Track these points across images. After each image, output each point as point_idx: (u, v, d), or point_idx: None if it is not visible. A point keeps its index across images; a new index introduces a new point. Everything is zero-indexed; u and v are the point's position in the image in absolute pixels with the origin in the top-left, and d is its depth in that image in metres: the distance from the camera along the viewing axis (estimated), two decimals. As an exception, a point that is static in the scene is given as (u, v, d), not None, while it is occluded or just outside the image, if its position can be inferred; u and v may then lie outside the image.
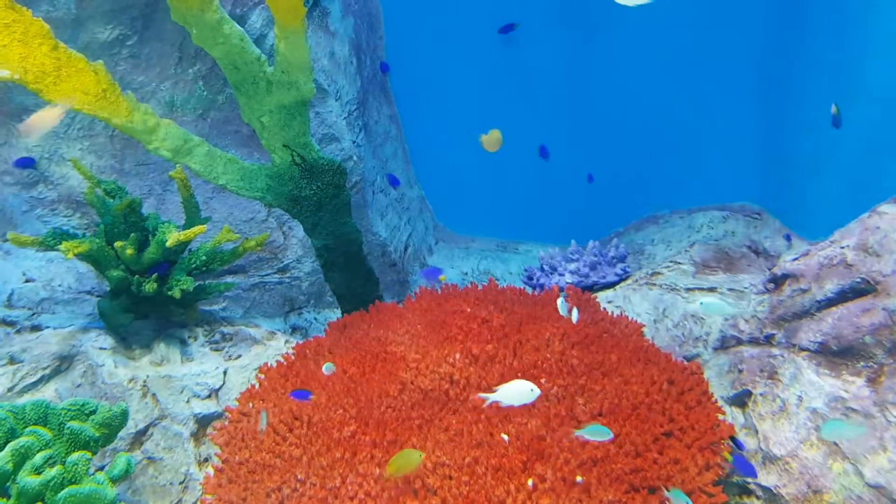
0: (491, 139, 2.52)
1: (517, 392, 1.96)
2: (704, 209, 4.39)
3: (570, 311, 2.38)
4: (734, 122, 4.45)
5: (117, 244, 2.62)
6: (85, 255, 2.64)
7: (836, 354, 2.26)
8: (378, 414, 2.22)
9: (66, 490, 1.82)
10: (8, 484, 1.88)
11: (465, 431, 2.12)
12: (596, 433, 1.98)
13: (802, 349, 2.35)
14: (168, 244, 2.61)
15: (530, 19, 4.64)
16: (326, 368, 2.42)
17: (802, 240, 3.72)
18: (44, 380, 2.57)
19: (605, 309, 2.91)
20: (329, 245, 2.96)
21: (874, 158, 3.20)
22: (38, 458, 1.91)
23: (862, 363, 2.20)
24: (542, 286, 3.64)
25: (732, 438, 2.07)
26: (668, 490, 1.91)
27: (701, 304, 2.38)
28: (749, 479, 2.21)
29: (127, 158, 3.39)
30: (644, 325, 2.81)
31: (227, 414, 2.47)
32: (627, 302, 3.18)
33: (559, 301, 2.41)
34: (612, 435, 1.98)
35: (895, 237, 2.30)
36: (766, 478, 2.18)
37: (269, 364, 2.66)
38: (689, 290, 3.11)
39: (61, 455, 1.97)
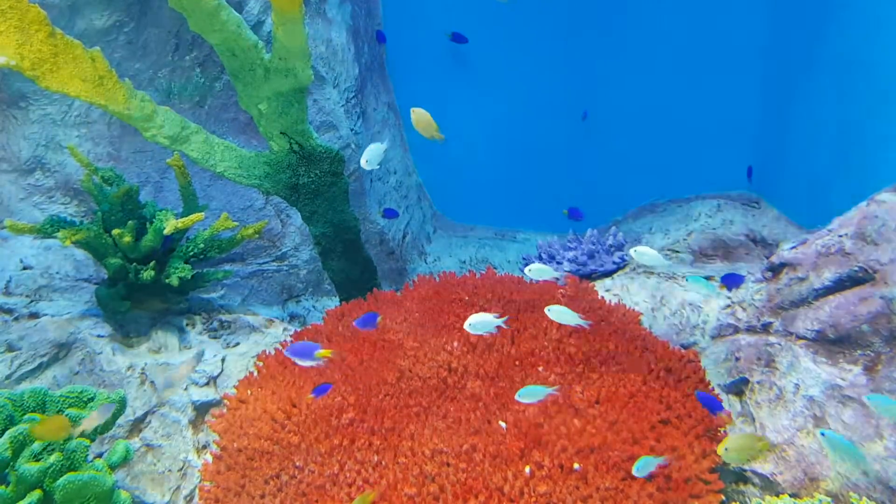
0: (422, 122, 2.47)
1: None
2: (702, 198, 4.39)
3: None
4: (733, 111, 4.45)
5: (115, 232, 2.62)
6: (82, 243, 2.64)
7: (833, 343, 2.26)
8: (376, 401, 2.23)
9: (64, 477, 1.83)
10: (7, 471, 1.89)
11: (462, 419, 2.13)
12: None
13: (800, 337, 2.36)
14: (166, 231, 2.61)
15: (531, 9, 4.62)
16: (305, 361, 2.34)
17: (801, 228, 3.72)
18: (42, 367, 2.57)
19: (602, 297, 2.91)
20: (327, 233, 2.96)
21: (873, 146, 3.20)
22: (37, 445, 1.91)
23: (859, 351, 2.21)
24: (540, 274, 3.64)
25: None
26: None
27: (635, 251, 2.37)
28: (746, 468, 2.22)
29: (124, 146, 3.38)
30: (641, 314, 2.81)
31: (225, 401, 2.48)
32: (625, 290, 3.19)
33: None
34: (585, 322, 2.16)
35: (893, 226, 2.30)
36: (763, 465, 2.19)
37: (267, 352, 2.66)
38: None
39: (60, 442, 1.98)
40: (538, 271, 2.46)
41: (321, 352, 2.14)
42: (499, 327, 2.21)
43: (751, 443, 1.80)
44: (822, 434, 1.93)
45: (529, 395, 2.04)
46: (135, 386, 2.57)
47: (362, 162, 2.45)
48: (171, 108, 2.67)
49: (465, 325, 2.20)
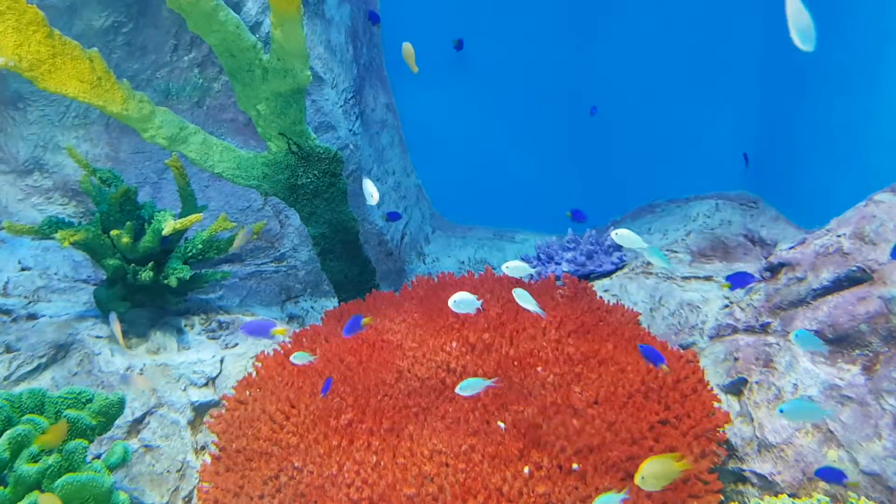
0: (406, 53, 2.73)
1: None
2: (701, 198, 4.39)
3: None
4: (731, 110, 4.45)
5: (113, 233, 2.62)
6: (81, 244, 2.64)
7: (831, 342, 2.26)
8: (375, 402, 2.23)
9: (63, 478, 1.82)
10: (5, 472, 1.88)
11: (461, 419, 2.13)
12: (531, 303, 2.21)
13: (798, 337, 2.36)
14: (164, 232, 2.61)
15: (530, 9, 4.62)
16: (298, 357, 2.33)
17: (799, 228, 3.73)
18: (40, 368, 2.57)
19: (601, 297, 2.91)
20: (326, 234, 2.96)
21: (871, 147, 3.20)
22: (35, 446, 1.91)
23: (857, 351, 2.21)
24: (538, 275, 3.64)
25: None
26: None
27: (615, 234, 2.40)
28: (744, 468, 2.22)
29: (122, 146, 3.37)
30: (640, 314, 2.81)
31: (223, 402, 2.48)
32: (623, 290, 3.19)
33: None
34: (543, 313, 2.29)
35: (891, 226, 2.30)
36: (762, 465, 2.19)
37: (265, 352, 2.66)
38: (685, 278, 3.11)
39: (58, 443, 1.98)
40: (514, 269, 2.48)
41: (276, 329, 2.16)
42: (479, 310, 2.29)
43: (668, 467, 1.71)
44: (781, 411, 1.92)
45: (469, 387, 2.06)
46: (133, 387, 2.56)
47: (373, 199, 2.54)
48: (170, 109, 2.67)
49: (450, 302, 2.23)
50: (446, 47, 4.59)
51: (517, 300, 2.27)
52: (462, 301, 2.22)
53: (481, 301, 2.25)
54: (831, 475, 1.98)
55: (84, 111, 3.29)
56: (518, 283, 2.94)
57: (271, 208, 3.62)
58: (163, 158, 3.29)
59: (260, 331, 2.21)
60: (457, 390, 2.05)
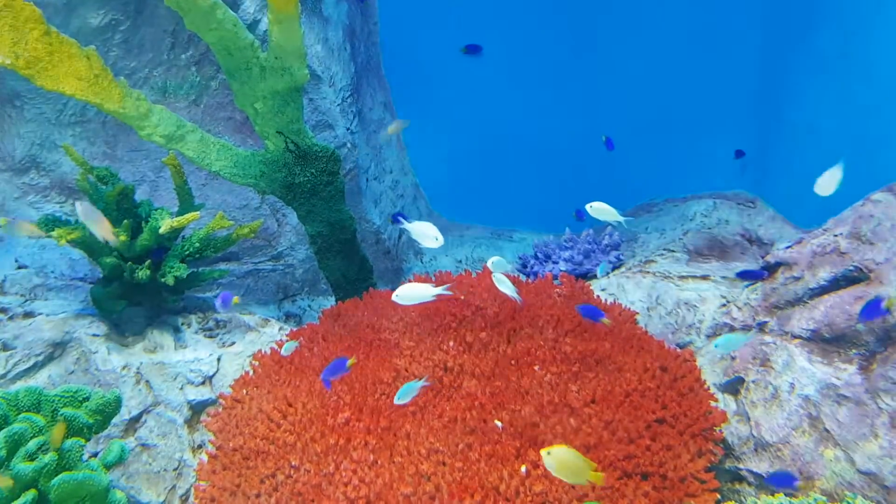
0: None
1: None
2: (698, 197, 4.39)
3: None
4: (730, 110, 4.45)
5: (110, 231, 2.62)
6: (78, 242, 2.63)
7: (828, 342, 2.27)
8: (372, 401, 2.23)
9: (59, 476, 1.82)
10: (2, 470, 1.88)
11: (458, 418, 2.13)
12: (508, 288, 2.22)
13: (795, 336, 2.36)
14: (161, 231, 2.61)
15: (528, 8, 4.62)
16: (286, 348, 2.49)
17: (797, 228, 3.73)
18: (37, 366, 2.56)
19: (598, 296, 2.91)
20: (323, 232, 2.96)
21: (870, 146, 3.20)
22: (32, 444, 1.90)
23: (854, 351, 2.21)
24: (536, 274, 3.64)
25: None
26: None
27: (591, 207, 2.42)
28: (741, 467, 2.22)
29: (119, 145, 3.37)
30: (637, 313, 2.81)
31: (220, 401, 2.47)
32: (621, 290, 3.19)
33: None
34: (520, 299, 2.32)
35: (888, 225, 2.30)
36: (758, 464, 2.20)
37: (262, 351, 2.66)
38: (682, 277, 3.11)
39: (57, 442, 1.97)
40: (497, 264, 2.50)
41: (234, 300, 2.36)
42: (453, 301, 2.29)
43: (582, 462, 1.69)
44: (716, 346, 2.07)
45: (406, 393, 2.05)
46: (130, 385, 2.56)
47: (431, 243, 2.29)
48: (167, 107, 2.67)
49: (393, 297, 2.18)
50: (446, 46, 4.58)
51: (496, 285, 2.28)
52: (407, 294, 2.16)
53: (444, 286, 2.22)
54: (783, 480, 1.99)
55: (81, 109, 3.28)
56: (516, 281, 2.94)
57: (268, 207, 3.62)
58: (160, 156, 3.29)
59: (223, 300, 2.33)
60: (395, 401, 2.05)
